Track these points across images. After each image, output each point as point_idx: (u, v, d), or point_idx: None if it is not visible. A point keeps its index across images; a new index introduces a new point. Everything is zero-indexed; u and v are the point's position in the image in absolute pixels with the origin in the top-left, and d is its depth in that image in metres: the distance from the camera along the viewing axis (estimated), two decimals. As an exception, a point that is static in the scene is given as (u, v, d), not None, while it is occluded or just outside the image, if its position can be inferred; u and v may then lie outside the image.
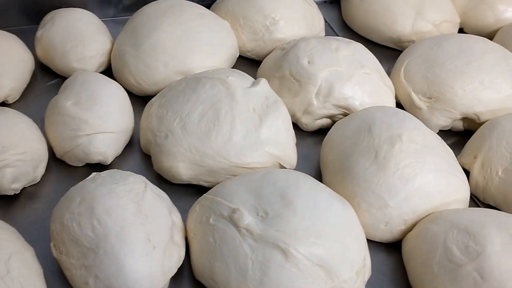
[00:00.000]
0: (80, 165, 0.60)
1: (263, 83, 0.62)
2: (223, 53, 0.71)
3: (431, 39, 0.74)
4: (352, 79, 0.65)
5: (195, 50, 0.68)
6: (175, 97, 0.60)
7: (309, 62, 0.66)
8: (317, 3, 0.90)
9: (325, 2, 0.91)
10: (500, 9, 0.85)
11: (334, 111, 0.66)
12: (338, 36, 0.85)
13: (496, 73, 0.68)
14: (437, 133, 0.69)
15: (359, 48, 0.70)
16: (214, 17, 0.73)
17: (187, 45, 0.68)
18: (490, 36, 0.84)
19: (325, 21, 0.87)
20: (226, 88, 0.59)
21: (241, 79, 0.62)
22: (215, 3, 0.80)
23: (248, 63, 0.77)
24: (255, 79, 0.67)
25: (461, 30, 0.88)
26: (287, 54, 0.68)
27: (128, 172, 0.52)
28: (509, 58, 0.70)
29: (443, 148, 0.58)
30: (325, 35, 0.81)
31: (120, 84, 0.67)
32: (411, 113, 0.70)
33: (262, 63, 0.72)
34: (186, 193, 0.58)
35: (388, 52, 0.81)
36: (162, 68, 0.67)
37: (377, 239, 0.55)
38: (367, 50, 0.71)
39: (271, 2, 0.75)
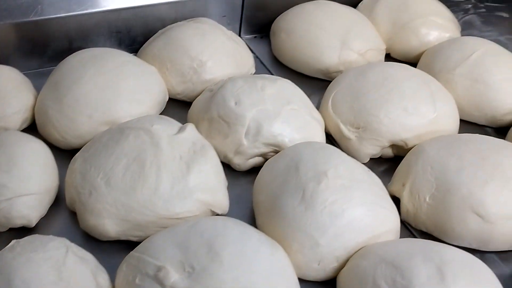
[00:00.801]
0: (3, 230, 0.57)
1: (190, 128, 0.62)
2: (151, 99, 0.70)
3: (356, 69, 0.76)
4: (280, 117, 0.66)
5: (120, 99, 0.67)
6: (99, 151, 0.58)
7: (236, 103, 0.66)
8: (247, 39, 0.92)
9: (255, 37, 0.93)
10: (422, 33, 0.88)
11: (265, 150, 0.66)
12: (269, 71, 0.85)
13: (419, 98, 0.70)
14: (368, 161, 0.71)
15: (286, 85, 0.71)
16: (139, 63, 0.73)
17: (111, 94, 0.67)
18: (416, 59, 0.87)
19: (256, 57, 0.88)
20: (150, 138, 0.58)
21: (167, 126, 0.61)
22: (141, 48, 0.80)
23: (179, 105, 0.76)
24: (187, 121, 0.67)
25: (388, 56, 0.91)
26: (215, 96, 0.68)
27: (49, 236, 0.50)
28: (430, 83, 0.73)
29: (371, 180, 0.59)
30: (255, 72, 0.82)
31: (45, 139, 0.65)
32: (341, 144, 0.71)
33: (191, 106, 0.72)
34: (115, 250, 0.56)
35: (319, 84, 0.82)
36: (87, 121, 0.65)
37: (311, 279, 0.55)
38: (294, 85, 0.72)
39: (197, 44, 0.75)
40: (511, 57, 0.80)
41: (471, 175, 0.59)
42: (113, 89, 0.67)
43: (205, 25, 0.79)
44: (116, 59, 0.70)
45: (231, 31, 0.83)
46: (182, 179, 0.57)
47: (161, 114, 0.74)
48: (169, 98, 0.76)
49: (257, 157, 0.67)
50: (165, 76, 0.75)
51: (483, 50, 0.79)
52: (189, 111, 0.72)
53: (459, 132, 0.73)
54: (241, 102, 0.66)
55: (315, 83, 0.83)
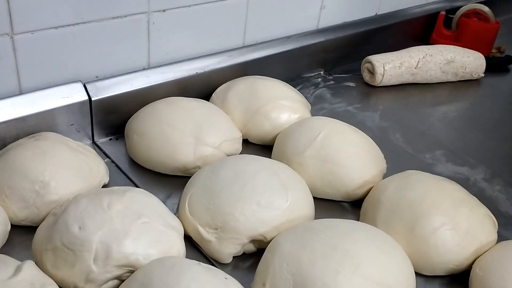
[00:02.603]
0: None
1: (27, 267, 0.56)
2: (-14, 236, 0.64)
3: (208, 167, 0.76)
4: (130, 234, 0.63)
5: None
6: None
7: (80, 228, 0.62)
8: (102, 142, 0.89)
9: (110, 139, 0.90)
10: (273, 117, 0.91)
11: (118, 272, 0.62)
12: (126, 175, 0.83)
13: (270, 190, 0.71)
14: (233, 259, 0.69)
15: (136, 196, 0.68)
16: (-30, 197, 0.67)
17: None
18: (272, 142, 0.90)
19: (112, 161, 0.85)
20: (-21, 290, 0.53)
21: (1, 269, 0.56)
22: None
23: (25, 231, 0.70)
24: (32, 252, 0.61)
25: (247, 141, 0.93)
26: (57, 223, 0.63)
27: None
28: (279, 172, 0.75)
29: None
30: (109, 179, 0.79)
31: None
32: (202, 247, 0.70)
33: (35, 235, 0.66)
34: None
35: (180, 181, 0.81)
36: None
37: None
38: (146, 194, 0.70)
39: (36, 164, 0.70)
40: (353, 133, 0.85)
41: (323, 267, 0.60)
42: None
43: (45, 141, 0.75)
44: None
45: (78, 142, 0.80)
46: (18, 331, 0.51)
47: (4, 245, 0.67)
48: (14, 225, 0.70)
49: (111, 281, 0.62)
50: (4, 204, 0.69)
51: (327, 130, 0.83)
52: (33, 240, 0.66)
53: (317, 211, 0.76)
54: (85, 226, 0.62)
55: (175, 182, 0.82)
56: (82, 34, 0.83)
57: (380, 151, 0.86)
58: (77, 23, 0.81)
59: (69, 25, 0.81)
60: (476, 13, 1.36)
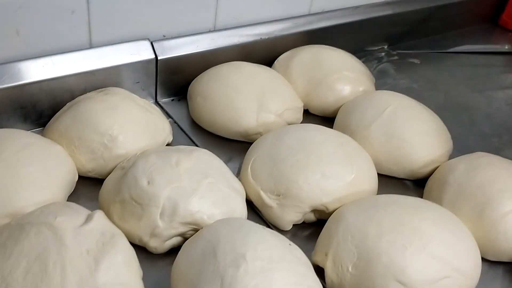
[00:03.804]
0: None
1: (97, 217, 0.57)
2: (57, 183, 0.65)
3: (273, 133, 0.75)
4: (197, 193, 0.63)
5: (22, 188, 0.62)
6: (-5, 253, 0.53)
7: (148, 183, 0.63)
8: (165, 103, 0.90)
9: (172, 100, 0.90)
10: (337, 89, 0.89)
11: (183, 229, 0.63)
12: (188, 136, 0.83)
13: (336, 161, 0.70)
14: (292, 227, 0.69)
15: (203, 156, 0.68)
16: (43, 145, 0.68)
17: (10, 184, 0.61)
18: (334, 114, 0.88)
19: (174, 122, 0.86)
20: (53, 233, 0.54)
21: (72, 216, 0.57)
22: (47, 124, 0.75)
23: (92, 183, 0.72)
24: (99, 202, 0.62)
25: (307, 111, 0.91)
26: (126, 176, 0.64)
27: None
28: (345, 144, 0.73)
29: (293, 257, 0.56)
30: (172, 139, 0.79)
31: None
32: (263, 212, 0.70)
33: (102, 186, 0.68)
34: None
35: (240, 146, 0.81)
36: (-16, 215, 0.59)
37: None
38: (212, 155, 0.70)
39: (106, 118, 0.71)
40: (421, 109, 0.83)
41: (390, 242, 0.58)
42: (13, 178, 0.62)
43: (115, 96, 0.75)
44: (16, 143, 0.65)
45: (145, 100, 0.80)
46: (90, 277, 0.52)
47: (71, 195, 0.69)
48: (81, 176, 0.71)
49: (175, 238, 0.63)
50: (73, 154, 0.70)
51: (395, 105, 0.81)
52: (100, 192, 0.68)
53: (379, 188, 0.74)
54: (154, 181, 0.63)
55: (236, 146, 0.82)
56: (151, -9, 0.82)
57: (447, 130, 0.83)
58: (146, -20, 0.81)
59: (141, -18, 0.81)
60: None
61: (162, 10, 0.85)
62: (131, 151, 0.71)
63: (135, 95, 0.79)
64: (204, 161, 0.67)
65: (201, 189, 0.63)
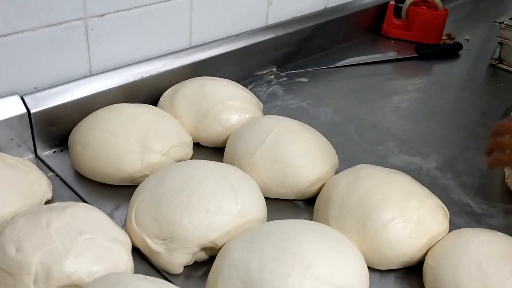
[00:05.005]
0: None
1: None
2: None
3: (155, 175, 0.73)
4: (72, 252, 0.60)
5: None
6: None
7: (17, 250, 0.59)
8: (46, 155, 0.86)
9: (54, 152, 0.86)
10: (224, 119, 0.89)
11: (62, 293, 0.59)
12: (71, 188, 0.80)
13: (219, 195, 0.69)
14: (184, 269, 0.68)
15: (78, 211, 0.65)
16: None
17: None
18: (224, 144, 0.88)
19: (56, 175, 0.82)
20: None
21: None
22: None
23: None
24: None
25: (198, 144, 0.91)
26: (-7, 246, 0.60)
27: None
28: (228, 175, 0.73)
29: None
30: (52, 195, 0.75)
31: None
32: (151, 258, 0.68)
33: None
34: None
35: (128, 191, 0.78)
36: None
37: None
38: (90, 208, 0.67)
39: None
40: (302, 130, 0.84)
41: (273, 272, 0.58)
42: None
43: (-20, 160, 0.71)
44: None
45: (17, 158, 0.76)
46: None
47: None
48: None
49: (54, 303, 0.60)
50: None
51: (277, 129, 0.82)
52: (-31, 266, 0.63)
53: (271, 212, 0.74)
54: (23, 248, 0.59)
55: (123, 192, 0.78)
56: (15, 45, 0.79)
57: (331, 146, 0.86)
58: (9, 34, 0.77)
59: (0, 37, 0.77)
60: (424, 1, 1.37)
61: (30, 63, 0.82)
62: (2, 217, 0.66)
63: (5, 154, 0.75)
64: (79, 216, 0.64)
65: (76, 247, 0.60)
